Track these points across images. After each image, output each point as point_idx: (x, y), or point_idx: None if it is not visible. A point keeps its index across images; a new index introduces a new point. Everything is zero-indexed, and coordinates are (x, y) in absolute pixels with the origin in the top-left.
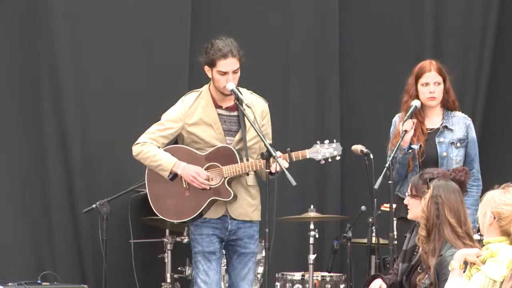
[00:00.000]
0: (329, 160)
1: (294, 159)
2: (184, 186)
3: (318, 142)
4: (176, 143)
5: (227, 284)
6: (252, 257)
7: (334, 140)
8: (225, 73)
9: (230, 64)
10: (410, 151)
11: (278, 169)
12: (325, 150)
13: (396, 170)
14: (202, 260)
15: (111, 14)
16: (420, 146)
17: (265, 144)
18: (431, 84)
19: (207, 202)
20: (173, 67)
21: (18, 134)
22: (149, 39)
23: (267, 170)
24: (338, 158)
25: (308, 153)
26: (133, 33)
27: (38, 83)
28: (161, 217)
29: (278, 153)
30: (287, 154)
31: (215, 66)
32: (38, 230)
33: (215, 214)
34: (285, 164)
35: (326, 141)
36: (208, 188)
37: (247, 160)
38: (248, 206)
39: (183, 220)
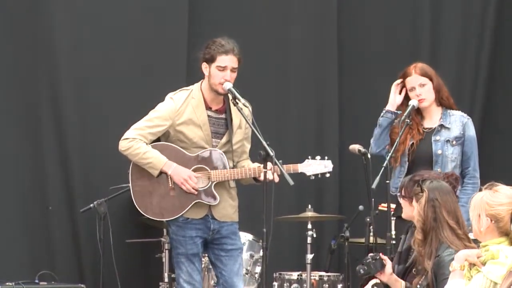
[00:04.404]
0: (319, 176)
1: (286, 172)
2: (170, 185)
3: (309, 157)
4: (158, 138)
5: (212, 282)
6: (240, 253)
7: (326, 157)
8: (223, 69)
9: (230, 60)
10: (392, 115)
11: (271, 178)
12: (316, 166)
13: (374, 134)
14: (185, 262)
15: (110, 14)
16: (413, 144)
17: (263, 144)
18: (416, 87)
19: (191, 204)
20: (171, 67)
21: (16, 134)
22: (148, 39)
23: (265, 170)
24: (328, 175)
25: (300, 168)
26: (131, 33)
27: (37, 83)
28: (143, 213)
29: (269, 165)
30: (278, 166)
31: (214, 61)
32: (36, 230)
33: (197, 215)
34: (276, 178)
35: (318, 157)
36: (196, 193)
37: (233, 163)
38: (230, 208)
39: (165, 219)
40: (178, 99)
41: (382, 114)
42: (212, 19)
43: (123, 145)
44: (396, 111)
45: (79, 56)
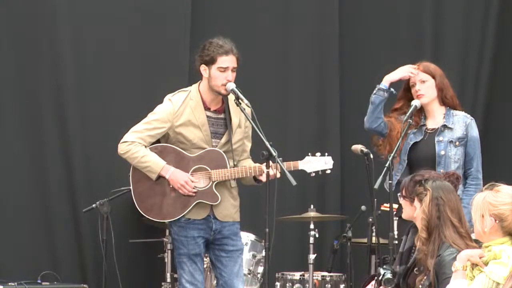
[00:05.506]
0: (320, 173)
1: (286, 170)
2: (170, 186)
3: (309, 154)
4: (158, 140)
5: (214, 283)
6: (241, 253)
7: (326, 154)
8: (225, 70)
9: (230, 60)
10: (384, 93)
11: (273, 174)
12: (316, 163)
13: (367, 111)
14: (187, 262)
15: (111, 14)
16: (415, 143)
17: (265, 144)
18: (417, 83)
19: (193, 204)
20: (173, 68)
21: (18, 133)
22: (149, 40)
23: (267, 170)
24: (328, 172)
25: (300, 165)
26: (133, 34)
27: (39, 83)
28: (144, 215)
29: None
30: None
31: (215, 63)
32: (38, 230)
33: (199, 215)
34: (278, 174)
35: (318, 154)
36: (194, 196)
37: (234, 162)
38: (231, 207)
39: (166, 220)
40: (177, 100)
41: (374, 91)
42: (214, 18)
43: (122, 148)
44: (388, 89)
45: (80, 57)
